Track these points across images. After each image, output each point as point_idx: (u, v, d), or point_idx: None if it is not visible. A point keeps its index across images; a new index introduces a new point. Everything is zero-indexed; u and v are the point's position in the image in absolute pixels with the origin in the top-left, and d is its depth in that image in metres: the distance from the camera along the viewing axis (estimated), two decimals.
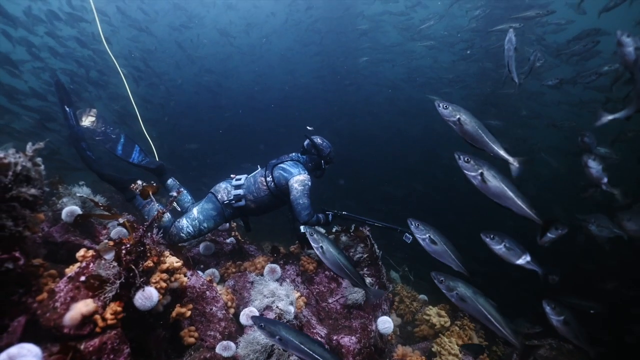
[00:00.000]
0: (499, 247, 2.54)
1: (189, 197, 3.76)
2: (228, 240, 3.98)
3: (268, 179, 3.47)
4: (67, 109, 3.33)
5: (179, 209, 3.70)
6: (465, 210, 9.21)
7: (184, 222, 3.43)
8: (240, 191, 3.53)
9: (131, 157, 3.76)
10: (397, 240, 3.59)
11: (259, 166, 3.74)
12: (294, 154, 3.76)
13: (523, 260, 2.54)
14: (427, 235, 2.53)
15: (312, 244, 2.63)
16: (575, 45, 6.34)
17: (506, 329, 2.31)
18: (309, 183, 3.38)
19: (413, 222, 2.58)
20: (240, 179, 3.64)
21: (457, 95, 12.98)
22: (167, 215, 3.47)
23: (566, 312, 2.75)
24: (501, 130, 8.58)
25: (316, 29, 15.73)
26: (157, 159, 3.96)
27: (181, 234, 3.40)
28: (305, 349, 1.92)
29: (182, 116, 13.48)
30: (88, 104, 3.88)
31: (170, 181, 3.84)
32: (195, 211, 3.49)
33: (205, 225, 3.46)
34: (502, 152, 2.29)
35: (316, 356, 1.93)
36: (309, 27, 15.50)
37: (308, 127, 3.92)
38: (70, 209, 2.87)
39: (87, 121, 3.68)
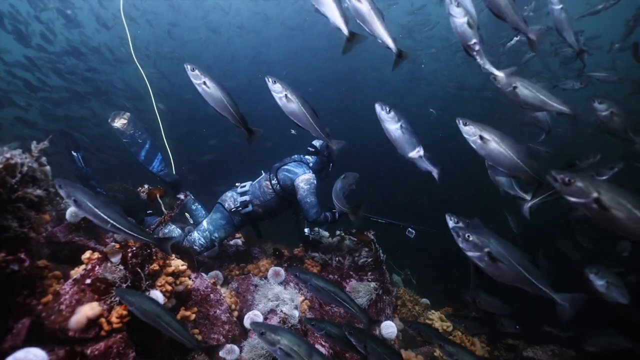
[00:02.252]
0: (394, 128, 2.19)
1: (203, 212, 3.80)
2: (232, 242, 3.97)
3: (273, 182, 3.49)
4: (75, 153, 3.41)
5: (192, 222, 3.72)
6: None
7: (195, 235, 3.45)
8: (246, 197, 3.55)
9: (151, 165, 3.82)
10: (402, 243, 3.58)
11: (262, 171, 3.75)
12: (296, 155, 3.77)
13: (417, 154, 2.22)
14: (285, 94, 2.34)
15: (194, 80, 2.32)
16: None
17: None
18: (315, 182, 3.40)
19: (270, 79, 2.36)
20: (245, 186, 3.67)
21: (462, 99, 12.97)
22: (178, 231, 3.49)
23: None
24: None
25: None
26: (174, 173, 3.99)
27: (194, 247, 3.42)
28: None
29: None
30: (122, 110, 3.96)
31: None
32: (205, 223, 3.51)
33: (216, 235, 3.47)
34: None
35: None
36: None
37: (292, 131, 3.94)
38: (74, 210, 2.85)
39: (118, 123, 3.75)
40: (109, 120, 3.84)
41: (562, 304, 1.84)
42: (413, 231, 3.50)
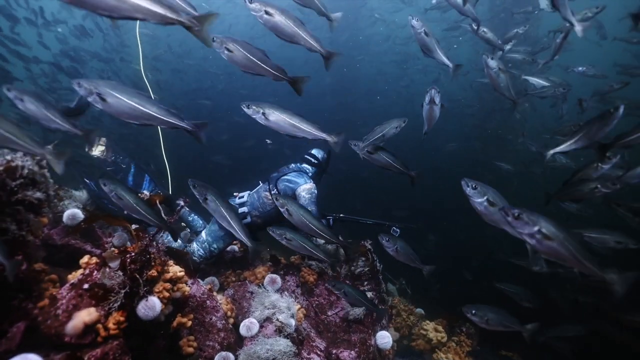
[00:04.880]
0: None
1: (200, 222, 3.83)
2: (228, 249, 3.95)
3: (273, 192, 3.49)
4: (87, 180, 3.51)
5: (189, 231, 3.73)
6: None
7: (194, 246, 3.47)
8: (244, 208, 3.56)
9: (142, 187, 3.83)
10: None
11: (260, 181, 3.75)
12: (293, 164, 3.79)
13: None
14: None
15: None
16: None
17: None
18: (316, 191, 3.44)
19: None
20: (243, 197, 3.69)
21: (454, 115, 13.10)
22: (178, 242, 3.52)
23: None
24: (510, 172, 8.52)
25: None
26: (170, 192, 4.00)
27: (194, 258, 3.43)
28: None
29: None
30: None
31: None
32: (203, 234, 3.53)
33: (215, 246, 3.48)
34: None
35: None
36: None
37: (267, 141, 4.04)
38: (72, 212, 2.83)
39: (97, 151, 3.74)
40: (86, 149, 3.83)
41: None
42: (398, 230, 3.59)
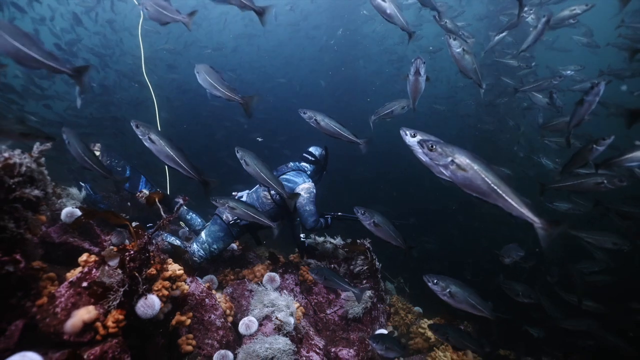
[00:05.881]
0: None
1: (199, 220, 3.86)
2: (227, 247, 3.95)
3: (272, 192, 3.50)
4: (83, 184, 3.55)
5: (187, 229, 3.74)
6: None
7: (194, 247, 3.49)
8: None
9: (138, 188, 3.86)
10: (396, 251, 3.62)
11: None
12: (291, 163, 3.79)
13: None
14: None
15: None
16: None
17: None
18: (314, 190, 3.44)
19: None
20: (242, 196, 3.72)
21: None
22: (177, 242, 3.55)
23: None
24: (511, 177, 8.50)
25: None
26: (168, 191, 4.01)
27: (194, 258, 3.45)
28: None
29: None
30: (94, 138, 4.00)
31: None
32: (203, 234, 3.54)
33: (215, 246, 3.50)
34: None
35: None
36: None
37: (258, 139, 4.11)
38: (69, 210, 2.82)
39: None
40: None
41: None
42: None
